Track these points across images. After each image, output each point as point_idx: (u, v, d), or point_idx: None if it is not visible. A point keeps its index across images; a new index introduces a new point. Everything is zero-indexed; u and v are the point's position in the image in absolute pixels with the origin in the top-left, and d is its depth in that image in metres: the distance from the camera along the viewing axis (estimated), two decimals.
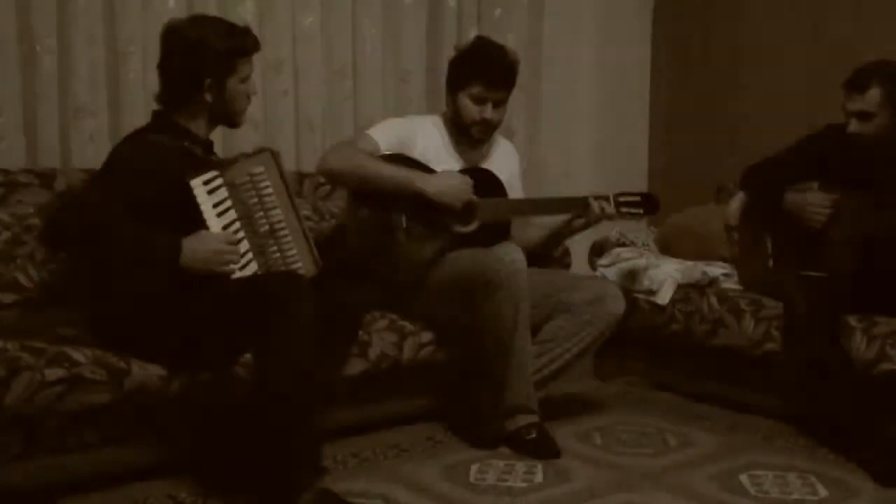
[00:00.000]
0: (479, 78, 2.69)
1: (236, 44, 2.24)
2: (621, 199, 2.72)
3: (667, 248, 3.51)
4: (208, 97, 2.23)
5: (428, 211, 2.63)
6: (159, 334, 2.12)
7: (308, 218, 2.86)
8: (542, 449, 2.52)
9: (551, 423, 2.64)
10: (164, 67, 2.26)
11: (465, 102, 2.72)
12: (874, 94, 2.60)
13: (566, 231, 2.81)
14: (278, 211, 2.26)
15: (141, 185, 2.12)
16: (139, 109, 2.83)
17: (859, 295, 2.65)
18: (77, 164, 2.78)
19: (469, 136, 2.78)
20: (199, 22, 2.28)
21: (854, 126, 2.65)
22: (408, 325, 2.63)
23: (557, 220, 2.82)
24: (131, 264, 2.12)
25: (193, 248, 2.10)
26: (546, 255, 3.01)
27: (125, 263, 2.12)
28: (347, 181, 2.68)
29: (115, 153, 2.24)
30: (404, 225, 2.63)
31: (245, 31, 2.28)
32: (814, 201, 2.78)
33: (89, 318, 2.20)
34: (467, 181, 2.64)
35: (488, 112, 2.72)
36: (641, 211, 2.75)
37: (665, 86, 4.27)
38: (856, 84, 2.63)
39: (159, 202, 2.12)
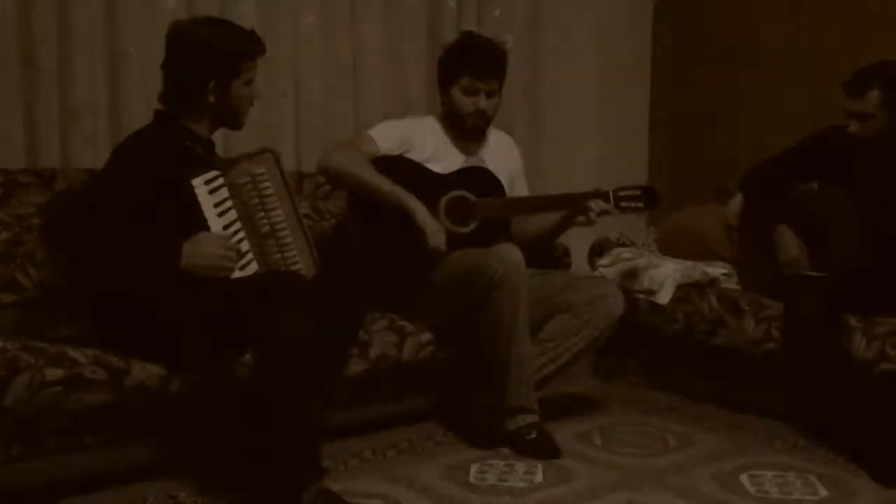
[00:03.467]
0: (467, 69, 2.71)
1: (242, 47, 2.25)
2: (621, 193, 2.70)
3: (667, 248, 3.50)
4: (212, 99, 2.23)
5: (428, 211, 2.63)
6: (159, 334, 2.12)
7: (308, 217, 2.86)
8: (542, 449, 2.52)
9: (551, 423, 2.64)
10: (168, 67, 2.26)
11: (458, 96, 2.74)
12: (873, 96, 2.61)
13: (565, 225, 2.80)
14: (279, 211, 2.27)
15: (142, 185, 2.12)
16: (139, 109, 2.82)
17: (859, 295, 2.65)
18: (77, 164, 2.77)
19: (465, 130, 2.78)
20: (206, 23, 2.29)
21: (854, 127, 2.66)
22: (408, 325, 2.63)
23: (557, 214, 2.82)
24: (131, 268, 2.12)
25: (193, 252, 2.10)
26: (546, 247, 3.01)
27: (125, 267, 2.12)
28: (346, 183, 2.69)
29: (117, 153, 2.24)
30: (404, 225, 2.63)
31: (251, 35, 2.29)
32: (793, 254, 2.80)
33: (89, 318, 2.20)
34: (442, 237, 2.61)
35: (482, 102, 2.73)
36: (642, 205, 2.72)
37: (665, 86, 4.27)
38: (855, 86, 2.64)
39: (161, 202, 2.12)
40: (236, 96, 2.27)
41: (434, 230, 2.59)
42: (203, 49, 2.20)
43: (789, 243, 2.81)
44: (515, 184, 2.91)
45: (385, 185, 2.61)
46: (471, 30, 3.03)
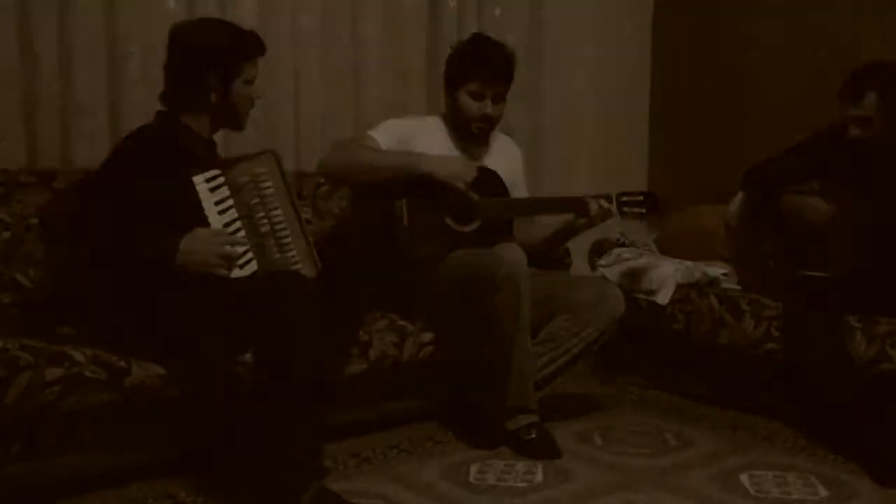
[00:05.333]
0: (477, 74, 2.70)
1: (243, 47, 2.27)
2: (623, 198, 2.71)
3: (667, 248, 3.51)
4: (213, 99, 2.24)
5: (429, 211, 2.63)
6: (159, 333, 2.12)
7: (308, 222, 2.85)
8: (542, 449, 2.52)
9: (551, 423, 2.64)
10: (170, 68, 2.27)
11: (465, 100, 2.73)
12: (871, 99, 2.62)
13: (568, 231, 2.81)
14: (279, 211, 2.27)
15: (143, 182, 2.12)
16: (139, 109, 2.82)
17: (859, 295, 2.65)
18: (77, 164, 2.77)
19: (469, 133, 2.78)
20: (207, 24, 2.32)
21: (854, 131, 2.66)
22: (408, 325, 2.63)
23: (560, 219, 2.82)
24: (128, 263, 2.12)
25: (189, 248, 2.10)
26: (548, 254, 3.01)
27: (122, 262, 2.12)
28: (349, 176, 2.69)
29: (118, 149, 2.25)
30: (405, 224, 2.63)
31: (252, 35, 2.30)
32: (812, 203, 2.78)
33: (89, 318, 2.20)
34: (471, 164, 2.63)
35: (488, 108, 2.73)
36: (644, 210, 2.73)
37: (665, 85, 4.26)
38: (851, 91, 2.65)
39: (161, 199, 2.12)
40: (237, 96, 2.28)
41: (456, 169, 2.59)
42: (204, 49, 2.22)
43: (801, 202, 2.78)
44: (516, 187, 2.90)
45: (388, 155, 2.60)
46: (480, 32, 3.02)
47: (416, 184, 2.59)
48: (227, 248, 2.16)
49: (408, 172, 2.59)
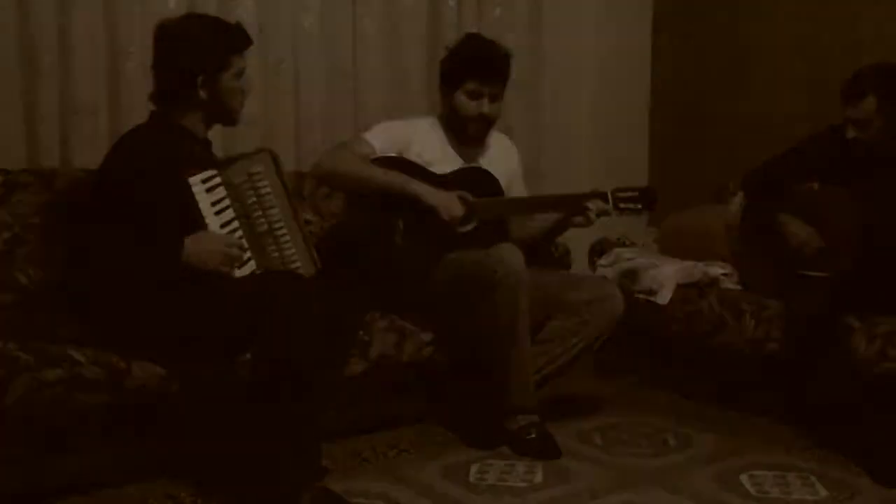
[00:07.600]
0: (473, 73, 2.69)
1: (228, 39, 2.26)
2: (619, 194, 2.71)
3: (667, 248, 3.50)
4: (203, 94, 2.23)
5: (425, 212, 2.63)
6: (159, 333, 2.12)
7: (308, 222, 2.86)
8: (542, 449, 2.52)
9: (551, 423, 2.64)
10: (157, 67, 2.27)
11: (462, 100, 2.73)
12: (870, 102, 2.62)
13: (563, 226, 2.81)
14: (276, 211, 2.27)
15: (140, 185, 2.12)
16: (139, 109, 2.80)
17: (859, 295, 2.64)
18: (77, 164, 2.78)
19: (466, 134, 2.78)
20: (191, 20, 2.31)
21: (852, 132, 2.67)
22: (408, 325, 2.63)
23: (555, 215, 2.82)
24: (132, 264, 2.12)
25: (196, 248, 2.11)
26: (545, 248, 3.01)
27: (126, 263, 2.12)
28: (342, 184, 2.70)
29: (113, 153, 2.24)
30: (402, 226, 2.63)
31: (236, 27, 2.29)
32: (801, 233, 2.80)
33: (89, 318, 2.20)
34: (458, 204, 2.63)
35: (485, 107, 2.73)
36: (640, 206, 2.73)
37: (665, 85, 4.26)
38: (851, 93, 2.66)
39: (159, 201, 2.12)
40: (227, 90, 2.26)
41: (445, 201, 2.59)
42: (189, 45, 2.21)
43: (796, 227, 2.81)
44: (514, 186, 2.91)
45: (381, 175, 2.61)
46: (474, 32, 3.02)
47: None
48: (233, 248, 2.16)
49: (397, 192, 2.59)
